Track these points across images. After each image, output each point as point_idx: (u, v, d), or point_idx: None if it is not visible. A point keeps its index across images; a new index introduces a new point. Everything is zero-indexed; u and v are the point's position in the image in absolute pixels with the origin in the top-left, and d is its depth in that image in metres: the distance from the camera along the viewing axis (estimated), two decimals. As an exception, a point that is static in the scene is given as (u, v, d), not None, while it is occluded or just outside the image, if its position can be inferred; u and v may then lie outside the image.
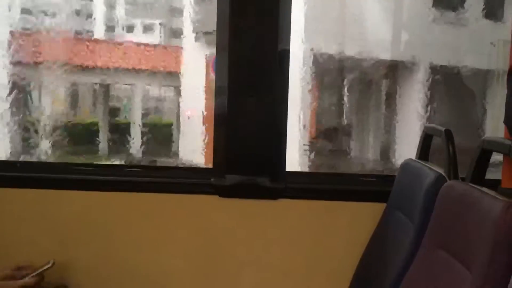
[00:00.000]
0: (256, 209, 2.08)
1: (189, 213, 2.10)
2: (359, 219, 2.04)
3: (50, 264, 1.84)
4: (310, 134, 3.10)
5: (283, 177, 2.10)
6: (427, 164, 1.82)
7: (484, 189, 1.38)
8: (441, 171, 1.69)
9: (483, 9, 3.10)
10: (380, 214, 1.98)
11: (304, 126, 2.99)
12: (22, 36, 2.94)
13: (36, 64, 3.03)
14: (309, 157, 2.99)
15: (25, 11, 2.96)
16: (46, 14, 3.04)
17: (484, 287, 1.20)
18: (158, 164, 3.35)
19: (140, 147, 3.20)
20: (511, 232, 1.18)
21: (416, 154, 1.96)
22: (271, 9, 2.04)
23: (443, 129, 1.76)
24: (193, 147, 2.88)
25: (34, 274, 1.81)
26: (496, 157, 1.60)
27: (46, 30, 3.02)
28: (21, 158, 2.85)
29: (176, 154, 3.35)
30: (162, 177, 2.17)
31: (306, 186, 2.16)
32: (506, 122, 1.50)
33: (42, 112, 3.13)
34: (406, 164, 1.95)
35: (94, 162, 3.23)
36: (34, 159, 2.92)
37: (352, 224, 2.07)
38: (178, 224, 2.11)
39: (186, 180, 2.15)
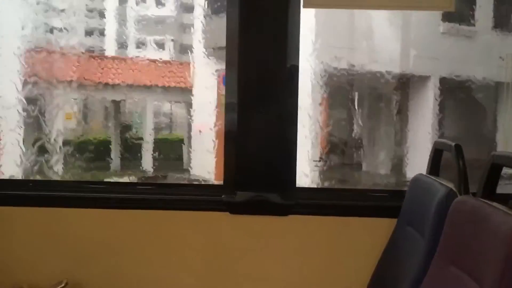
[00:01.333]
0: (267, 225, 2.08)
1: (200, 230, 2.10)
2: (370, 235, 2.03)
3: (63, 284, 1.84)
4: (321, 148, 3.10)
5: (294, 193, 2.10)
6: (437, 179, 1.81)
7: (495, 204, 1.37)
8: (451, 186, 1.68)
9: (493, 22, 3.10)
10: (391, 229, 1.97)
11: (314, 141, 2.98)
12: (34, 54, 2.97)
13: (49, 81, 3.06)
14: (319, 172, 2.98)
15: (37, 28, 2.99)
16: (59, 32, 3.08)
17: (496, 303, 1.20)
18: (169, 179, 3.36)
19: (152, 162, 3.21)
20: (523, 248, 1.18)
21: (427, 169, 1.96)
22: (280, 25, 2.05)
23: (453, 144, 1.75)
24: (204, 162, 2.88)
25: None
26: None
27: (59, 48, 3.05)
28: (34, 177, 2.87)
29: (187, 169, 3.36)
30: (173, 194, 2.18)
31: (317, 202, 2.15)
32: None
33: (55, 130, 3.15)
34: (417, 179, 1.94)
35: (106, 179, 3.25)
36: (46, 177, 2.94)
37: (363, 240, 2.06)
38: (189, 241, 2.11)
39: (197, 197, 2.15)
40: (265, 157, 2.08)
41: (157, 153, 3.35)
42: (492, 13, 3.07)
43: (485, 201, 1.42)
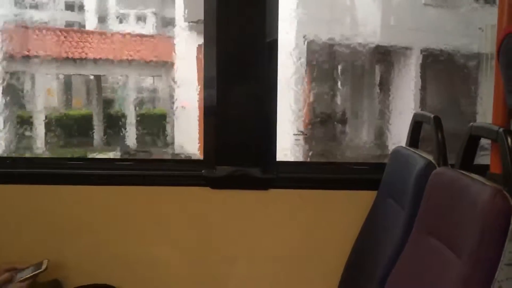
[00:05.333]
0: (247, 199, 2.08)
1: (181, 205, 2.09)
2: (351, 208, 2.04)
3: (42, 268, 1.82)
4: (304, 121, 3.09)
5: (274, 167, 2.10)
6: (417, 151, 1.81)
7: (473, 175, 1.38)
8: (431, 158, 1.69)
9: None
10: (372, 202, 1.98)
11: (298, 113, 2.97)
12: (13, 29, 2.92)
13: (28, 57, 3.02)
14: (303, 145, 2.98)
15: (16, 3, 2.94)
16: (37, 6, 3.03)
17: (473, 272, 1.21)
18: (153, 154, 3.35)
19: (135, 138, 3.19)
20: (499, 218, 1.19)
21: (406, 141, 1.96)
22: None
23: (431, 115, 1.75)
24: (188, 137, 2.87)
25: (28, 276, 1.79)
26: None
27: (38, 22, 3.01)
28: (14, 154, 2.84)
29: (171, 144, 3.34)
30: (153, 170, 2.16)
31: (297, 176, 2.15)
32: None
33: (35, 106, 3.12)
34: (397, 152, 1.94)
35: (88, 155, 3.23)
36: (28, 153, 2.91)
37: (344, 213, 2.06)
38: (170, 216, 2.11)
39: (178, 172, 2.14)
40: (245, 131, 2.07)
41: (140, 128, 3.33)
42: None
43: (463, 172, 1.42)
